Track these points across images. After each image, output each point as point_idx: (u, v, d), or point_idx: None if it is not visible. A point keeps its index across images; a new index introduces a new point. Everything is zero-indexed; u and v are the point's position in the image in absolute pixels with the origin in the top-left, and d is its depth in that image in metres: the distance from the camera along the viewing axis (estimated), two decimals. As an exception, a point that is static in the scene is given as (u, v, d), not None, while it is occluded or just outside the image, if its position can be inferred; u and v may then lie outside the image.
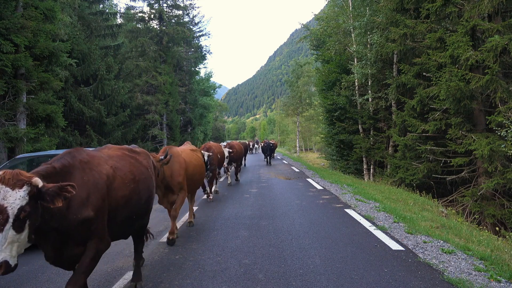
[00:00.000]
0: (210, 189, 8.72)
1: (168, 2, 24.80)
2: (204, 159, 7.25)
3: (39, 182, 2.08)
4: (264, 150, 21.19)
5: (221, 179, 12.57)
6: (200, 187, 8.28)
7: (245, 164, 20.27)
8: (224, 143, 14.29)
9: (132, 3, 24.36)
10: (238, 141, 23.71)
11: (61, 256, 2.49)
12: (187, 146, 6.54)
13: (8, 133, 9.13)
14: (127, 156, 3.23)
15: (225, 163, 9.90)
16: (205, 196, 9.03)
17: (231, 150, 10.24)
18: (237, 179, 12.60)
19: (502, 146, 8.21)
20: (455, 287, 3.54)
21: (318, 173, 15.52)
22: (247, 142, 37.94)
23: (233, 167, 12.41)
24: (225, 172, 12.42)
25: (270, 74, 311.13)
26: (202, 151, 7.50)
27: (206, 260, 4.42)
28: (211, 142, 9.76)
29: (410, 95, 12.86)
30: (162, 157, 4.67)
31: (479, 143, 8.70)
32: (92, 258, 2.60)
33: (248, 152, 35.59)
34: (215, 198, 9.17)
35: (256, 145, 39.60)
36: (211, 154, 7.77)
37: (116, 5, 30.44)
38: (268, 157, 20.92)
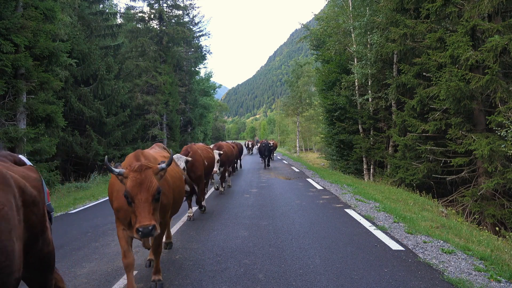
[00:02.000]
0: (200, 204, 7.03)
1: (168, 2, 24.79)
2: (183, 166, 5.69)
3: None
4: (261, 151, 18.41)
5: (210, 191, 10.03)
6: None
7: (241, 166, 18.34)
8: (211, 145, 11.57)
9: (132, 3, 24.38)
10: (232, 141, 20.89)
11: None
12: (156, 150, 4.34)
13: (8, 133, 9.13)
14: None
15: (215, 168, 7.88)
16: (186, 215, 6.83)
17: (221, 152, 8.34)
18: (223, 186, 10.07)
19: (502, 146, 8.21)
20: (455, 287, 3.54)
21: (318, 173, 15.52)
22: (247, 142, 36.91)
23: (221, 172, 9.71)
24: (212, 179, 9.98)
25: (270, 74, 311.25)
26: (177, 156, 5.77)
27: (206, 260, 4.42)
28: (198, 143, 7.59)
29: (410, 95, 12.86)
30: (164, 165, 3.07)
31: (479, 143, 8.70)
32: None
33: (247, 152, 34.67)
34: (213, 202, 9.13)
35: (256, 145, 36.88)
36: (189, 159, 5.94)
37: (116, 5, 30.47)
38: (266, 159, 18.28)
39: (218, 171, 8.10)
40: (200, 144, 7.92)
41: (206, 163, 6.99)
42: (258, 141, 25.37)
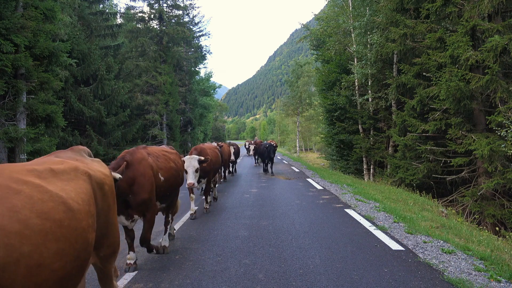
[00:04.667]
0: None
1: (168, 2, 24.78)
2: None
3: None
4: (262, 154, 14.91)
5: (185, 217, 6.82)
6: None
7: (235, 170, 15.39)
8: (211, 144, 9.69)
9: (132, 3, 24.32)
10: (228, 141, 17.05)
11: None
12: (65, 156, 2.36)
13: (8, 133, 9.12)
14: None
15: (191, 180, 5.71)
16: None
17: (202, 158, 5.99)
18: (208, 203, 7.49)
19: (502, 146, 8.21)
20: (455, 287, 3.54)
21: (318, 173, 15.52)
22: (246, 143, 35.18)
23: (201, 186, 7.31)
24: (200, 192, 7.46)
25: (270, 74, 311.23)
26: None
27: (206, 260, 4.42)
28: (153, 147, 4.78)
29: (410, 95, 12.86)
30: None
31: (479, 143, 8.70)
32: None
33: (247, 154, 33.52)
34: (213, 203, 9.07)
35: (252, 145, 24.70)
36: (118, 175, 3.27)
37: (116, 5, 30.42)
38: (268, 164, 14.92)
39: (196, 185, 5.84)
40: (162, 147, 5.04)
41: (163, 178, 4.28)
42: (256, 141, 21.08)
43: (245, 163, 22.68)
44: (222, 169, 12.37)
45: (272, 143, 15.21)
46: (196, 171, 5.85)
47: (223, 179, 12.68)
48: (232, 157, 12.96)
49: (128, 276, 4.00)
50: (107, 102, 17.31)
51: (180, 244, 5.17)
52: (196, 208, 7.24)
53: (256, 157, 19.48)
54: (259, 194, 9.69)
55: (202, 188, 7.76)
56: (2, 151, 9.63)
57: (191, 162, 5.84)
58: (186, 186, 5.75)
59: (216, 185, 9.50)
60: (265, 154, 14.53)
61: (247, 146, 21.14)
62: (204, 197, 7.68)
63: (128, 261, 4.19)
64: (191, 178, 5.78)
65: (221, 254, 4.64)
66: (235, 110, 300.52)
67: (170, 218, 5.13)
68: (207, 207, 7.45)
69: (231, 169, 14.65)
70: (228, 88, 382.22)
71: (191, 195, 6.86)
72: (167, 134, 23.76)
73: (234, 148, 13.73)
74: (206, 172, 6.88)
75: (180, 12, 25.64)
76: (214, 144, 10.15)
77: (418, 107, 11.11)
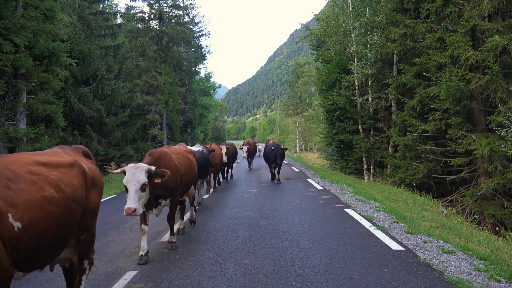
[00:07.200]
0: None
1: (168, 2, 24.80)
2: None
3: None
4: (268, 157, 11.88)
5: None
6: None
7: (232, 176, 13.54)
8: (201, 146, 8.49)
9: (132, 3, 24.33)
10: (223, 142, 13.87)
11: None
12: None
13: (8, 133, 9.13)
14: None
15: (129, 205, 3.67)
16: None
17: (153, 170, 3.97)
18: (173, 241, 5.03)
19: (502, 146, 8.21)
20: (455, 287, 3.54)
21: (318, 173, 15.53)
22: (245, 144, 22.98)
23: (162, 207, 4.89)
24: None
25: (270, 74, 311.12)
26: None
27: (206, 260, 4.43)
28: (53, 148, 3.00)
29: (410, 95, 12.86)
30: None
31: (479, 143, 8.69)
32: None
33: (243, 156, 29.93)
34: (211, 200, 9.09)
35: (246, 147, 16.71)
36: None
37: (116, 5, 30.48)
38: (276, 169, 12.04)
39: (139, 211, 3.72)
40: (53, 149, 2.96)
41: (19, 223, 2.01)
42: (249, 141, 17.77)
43: (246, 164, 22.62)
44: (223, 171, 12.01)
45: (273, 142, 12.91)
46: (142, 189, 3.81)
47: (212, 188, 10.51)
48: (224, 158, 10.86)
49: (128, 276, 4.00)
50: (107, 102, 17.32)
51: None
52: (147, 247, 4.50)
53: (250, 159, 17.37)
54: (259, 194, 9.69)
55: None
56: (2, 151, 9.62)
57: (134, 175, 3.80)
58: (124, 213, 3.66)
59: (200, 199, 7.88)
60: (271, 158, 11.52)
61: (240, 147, 16.62)
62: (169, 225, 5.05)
63: None
64: (131, 201, 3.68)
65: (221, 254, 4.64)
66: (235, 110, 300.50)
67: (86, 265, 3.10)
68: (174, 240, 5.02)
69: (225, 174, 12.56)
70: (228, 88, 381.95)
71: (143, 225, 4.48)
72: (167, 134, 23.77)
73: (227, 149, 11.33)
74: (169, 190, 4.67)
75: (180, 12, 25.67)
76: (202, 148, 8.18)
77: (418, 107, 11.11)
